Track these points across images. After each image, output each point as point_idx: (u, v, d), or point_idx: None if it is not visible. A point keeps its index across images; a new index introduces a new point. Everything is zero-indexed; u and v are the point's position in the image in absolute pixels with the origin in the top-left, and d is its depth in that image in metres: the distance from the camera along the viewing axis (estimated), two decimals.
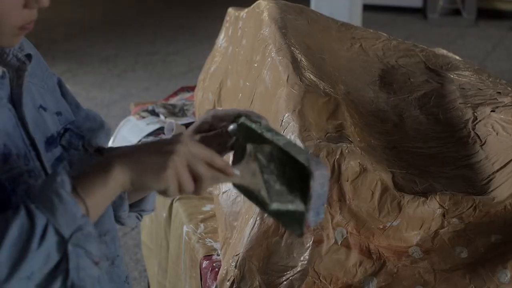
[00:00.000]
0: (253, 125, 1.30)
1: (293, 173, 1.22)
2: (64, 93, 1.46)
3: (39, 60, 1.37)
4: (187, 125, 3.09)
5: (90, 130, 1.48)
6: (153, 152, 1.16)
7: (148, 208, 1.59)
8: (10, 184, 1.17)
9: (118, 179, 1.14)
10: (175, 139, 1.18)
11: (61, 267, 1.07)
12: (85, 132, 1.43)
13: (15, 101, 1.23)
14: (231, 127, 1.34)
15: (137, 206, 1.57)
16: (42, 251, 1.05)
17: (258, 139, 1.28)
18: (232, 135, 1.34)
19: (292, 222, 1.24)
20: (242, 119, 1.32)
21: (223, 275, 1.75)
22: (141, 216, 1.60)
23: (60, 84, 1.46)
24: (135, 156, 1.16)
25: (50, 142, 1.29)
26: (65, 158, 1.32)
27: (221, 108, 1.39)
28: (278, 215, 1.26)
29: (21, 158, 1.21)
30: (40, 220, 1.06)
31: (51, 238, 1.06)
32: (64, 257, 1.07)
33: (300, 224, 1.23)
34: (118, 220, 1.53)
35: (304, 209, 1.21)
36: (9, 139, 1.19)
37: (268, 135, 1.27)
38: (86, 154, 1.38)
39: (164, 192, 1.16)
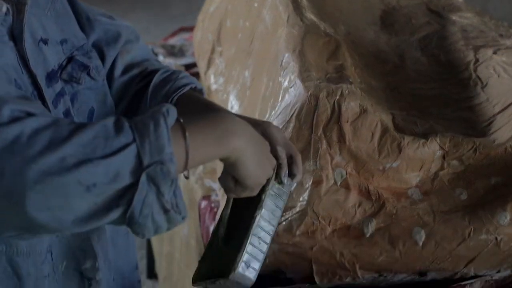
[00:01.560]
0: (267, 185, 1.29)
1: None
2: (75, 7, 1.45)
3: None
4: (186, 66, 3.07)
5: (107, 43, 1.48)
6: (266, 155, 1.24)
7: None
8: None
9: (228, 151, 1.13)
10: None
11: (126, 195, 0.99)
12: (104, 47, 1.47)
13: (16, 36, 1.19)
14: None
15: None
16: (111, 164, 0.97)
17: (257, 197, 1.29)
18: None
19: None
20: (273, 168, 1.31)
21: None
22: None
23: None
24: (256, 150, 1.19)
25: (51, 77, 1.26)
26: (65, 93, 1.29)
27: (281, 139, 1.35)
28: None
29: (28, 94, 1.19)
30: (125, 137, 0.99)
31: (128, 158, 0.98)
32: (134, 185, 0.99)
33: None
34: None
35: None
36: (17, 75, 1.17)
37: (265, 203, 1.28)
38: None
39: (244, 187, 1.22)
